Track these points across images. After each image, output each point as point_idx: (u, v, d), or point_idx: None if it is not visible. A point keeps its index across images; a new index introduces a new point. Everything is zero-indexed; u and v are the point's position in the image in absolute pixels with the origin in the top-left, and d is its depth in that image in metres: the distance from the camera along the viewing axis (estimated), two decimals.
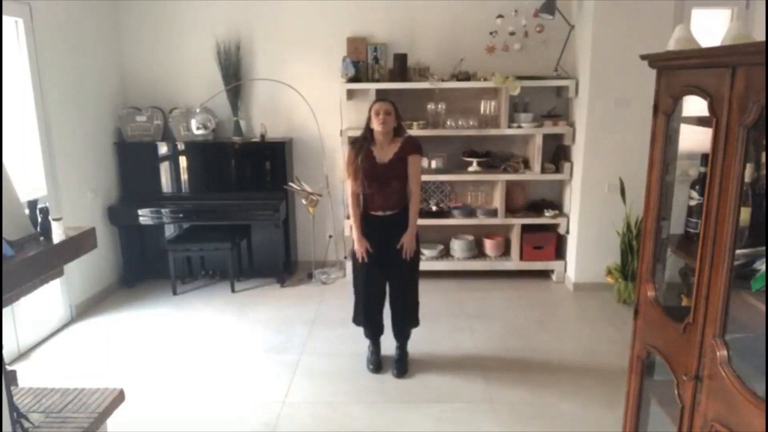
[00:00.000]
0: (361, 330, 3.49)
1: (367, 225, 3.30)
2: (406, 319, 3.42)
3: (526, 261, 4.87)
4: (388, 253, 3.27)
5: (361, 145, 3.24)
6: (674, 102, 1.83)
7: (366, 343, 3.52)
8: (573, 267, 4.69)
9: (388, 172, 3.21)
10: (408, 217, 3.26)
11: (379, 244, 3.27)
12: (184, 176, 4.90)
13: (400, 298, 3.36)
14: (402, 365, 3.39)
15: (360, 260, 3.29)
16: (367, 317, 3.41)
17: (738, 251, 1.53)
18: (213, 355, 3.68)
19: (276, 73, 4.90)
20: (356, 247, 3.29)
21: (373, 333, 3.46)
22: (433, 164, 4.74)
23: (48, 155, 4.01)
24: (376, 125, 3.17)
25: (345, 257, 5.06)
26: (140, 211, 4.71)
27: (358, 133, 4.69)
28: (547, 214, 4.79)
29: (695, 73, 1.67)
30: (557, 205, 4.95)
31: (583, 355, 3.60)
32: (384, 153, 3.24)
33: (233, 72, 4.85)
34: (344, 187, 3.37)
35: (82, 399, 2.32)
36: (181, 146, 4.85)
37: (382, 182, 3.21)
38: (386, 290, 3.39)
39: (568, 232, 4.79)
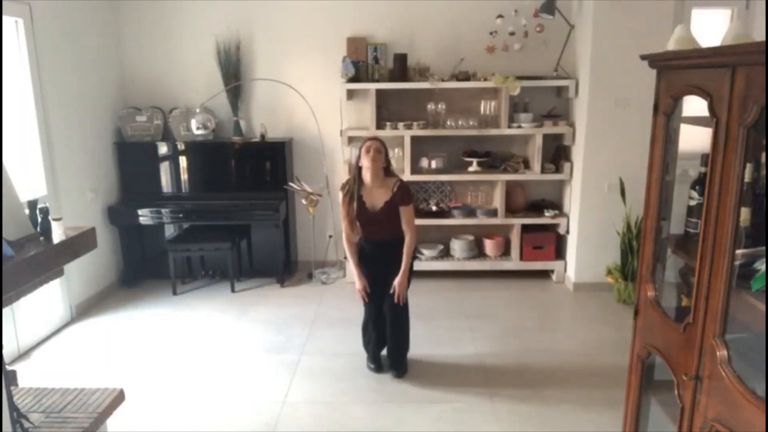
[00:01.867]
0: (359, 329, 3.49)
1: (366, 248, 3.34)
2: (401, 347, 3.43)
3: (526, 261, 4.87)
4: (385, 279, 3.29)
5: (352, 191, 3.22)
6: (674, 102, 1.83)
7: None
8: (573, 267, 4.69)
9: (380, 217, 3.23)
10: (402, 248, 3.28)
11: (378, 267, 3.31)
12: (184, 176, 4.90)
13: (395, 325, 3.36)
14: (401, 366, 3.39)
15: (362, 299, 3.33)
16: (368, 341, 3.46)
17: (738, 251, 1.53)
18: (213, 355, 3.68)
19: (276, 73, 4.90)
20: (357, 286, 3.31)
21: (372, 358, 3.47)
22: (433, 164, 4.75)
23: (48, 155, 4.01)
24: (365, 162, 3.13)
25: (345, 258, 5.05)
26: (140, 211, 4.71)
27: (358, 133, 4.74)
28: (547, 214, 4.79)
29: (695, 73, 1.67)
30: (557, 205, 4.95)
31: (583, 355, 3.60)
32: (374, 198, 3.21)
33: (233, 72, 4.84)
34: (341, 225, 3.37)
35: (82, 399, 2.32)
36: (181, 146, 4.85)
37: (376, 224, 3.26)
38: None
39: (568, 232, 4.79)
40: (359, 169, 3.21)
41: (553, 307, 4.45)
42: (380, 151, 3.15)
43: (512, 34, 4.64)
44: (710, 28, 4.15)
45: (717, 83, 1.51)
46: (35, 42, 3.86)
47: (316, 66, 4.91)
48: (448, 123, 4.70)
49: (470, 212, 4.87)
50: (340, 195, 3.31)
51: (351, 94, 4.76)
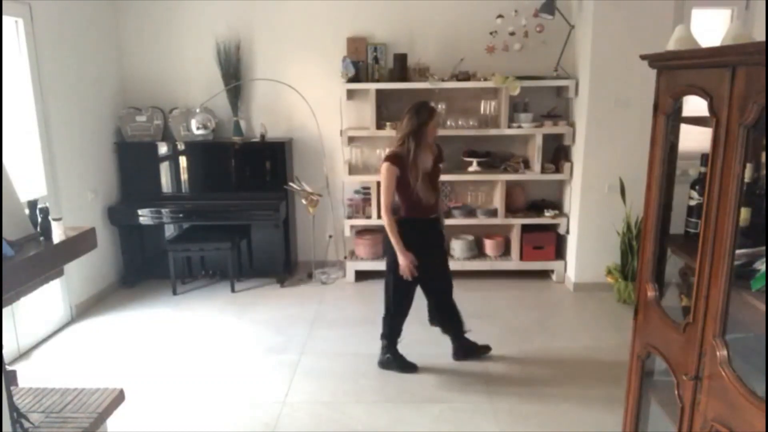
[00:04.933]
0: (359, 329, 3.50)
1: (410, 227, 3.26)
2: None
3: (526, 261, 4.87)
4: (431, 259, 3.35)
5: (412, 157, 3.18)
6: (674, 102, 1.83)
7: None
8: (573, 267, 4.69)
9: (432, 177, 3.34)
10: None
11: (426, 247, 3.34)
12: (184, 176, 4.90)
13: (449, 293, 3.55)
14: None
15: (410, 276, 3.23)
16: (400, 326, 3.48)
17: (738, 251, 1.53)
18: (213, 355, 3.68)
19: (276, 73, 4.90)
20: (404, 262, 3.17)
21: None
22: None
23: (48, 155, 4.01)
24: (434, 128, 3.20)
25: (345, 257, 5.06)
26: (140, 211, 4.71)
27: (358, 133, 4.76)
28: (547, 214, 4.79)
29: (695, 73, 1.67)
30: (557, 205, 4.95)
31: (583, 355, 3.60)
32: (426, 160, 3.25)
33: (233, 72, 4.84)
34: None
35: (82, 399, 2.32)
36: (181, 146, 4.85)
37: (429, 190, 3.28)
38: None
39: (568, 232, 4.79)
40: (419, 135, 3.12)
41: (553, 307, 4.45)
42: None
43: (512, 34, 4.65)
44: (710, 28, 4.15)
45: (717, 83, 1.51)
46: (35, 42, 3.86)
47: (316, 66, 4.91)
48: (448, 123, 4.70)
49: (470, 212, 4.87)
50: (387, 166, 3.16)
51: (351, 94, 4.75)
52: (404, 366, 3.41)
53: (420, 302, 3.43)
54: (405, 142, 3.14)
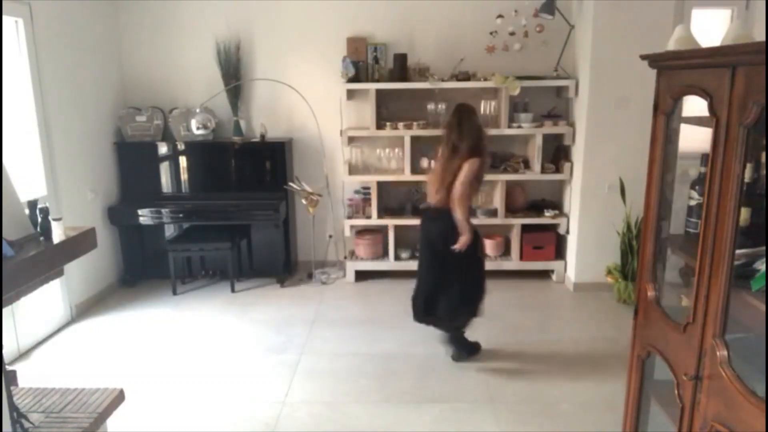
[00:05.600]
0: (359, 329, 3.50)
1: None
2: None
3: (526, 261, 4.87)
4: None
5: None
6: (674, 102, 1.83)
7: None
8: (573, 267, 4.69)
9: None
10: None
11: None
12: (184, 176, 4.90)
13: None
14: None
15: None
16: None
17: (738, 251, 1.53)
18: (213, 355, 3.68)
19: (276, 73, 4.90)
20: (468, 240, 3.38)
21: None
22: (433, 164, 4.73)
23: (48, 155, 4.01)
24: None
25: (344, 257, 5.06)
26: (140, 211, 4.71)
27: (358, 133, 4.75)
28: (547, 214, 4.79)
29: (695, 73, 1.67)
30: (557, 205, 4.95)
31: (583, 355, 3.60)
32: None
33: (233, 72, 4.84)
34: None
35: (82, 399, 2.32)
36: (181, 146, 4.85)
37: None
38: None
39: (568, 232, 4.79)
40: (481, 134, 3.39)
41: (553, 307, 4.45)
42: None
43: (512, 34, 4.65)
44: (710, 28, 4.15)
45: (717, 83, 1.51)
46: (35, 42, 3.85)
47: (316, 66, 4.91)
48: None
49: (470, 212, 4.86)
50: (479, 161, 3.34)
51: (351, 94, 4.75)
52: (472, 350, 3.55)
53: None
54: (478, 145, 3.33)
